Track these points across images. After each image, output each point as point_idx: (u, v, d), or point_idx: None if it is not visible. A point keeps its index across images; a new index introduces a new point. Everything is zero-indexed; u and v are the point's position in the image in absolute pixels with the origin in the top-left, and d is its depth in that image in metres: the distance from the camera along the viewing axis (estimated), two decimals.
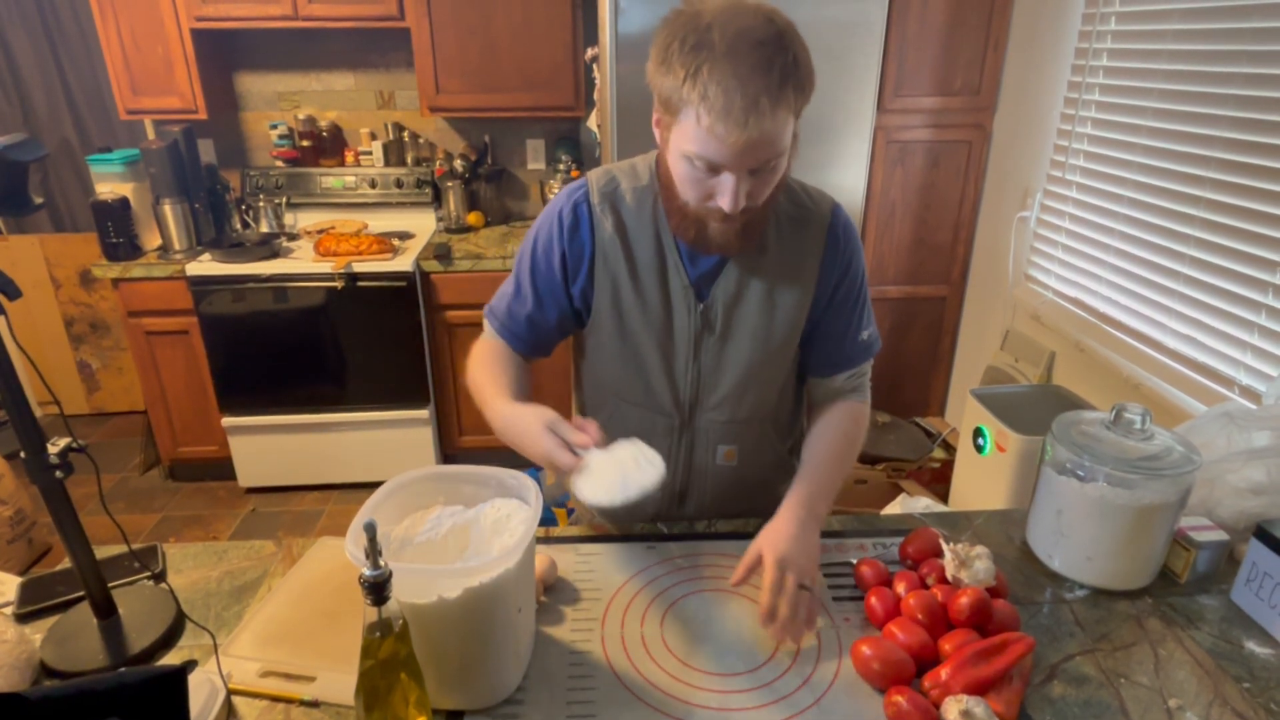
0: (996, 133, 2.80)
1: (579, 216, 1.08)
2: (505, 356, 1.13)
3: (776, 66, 0.85)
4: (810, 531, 0.98)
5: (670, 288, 1.08)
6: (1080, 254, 2.37)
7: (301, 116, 3.15)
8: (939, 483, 2.69)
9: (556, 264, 1.10)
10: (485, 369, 1.10)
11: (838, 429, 1.15)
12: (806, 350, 1.17)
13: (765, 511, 1.25)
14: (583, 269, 1.10)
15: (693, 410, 1.16)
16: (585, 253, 1.09)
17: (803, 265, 1.09)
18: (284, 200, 3.12)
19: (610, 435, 1.19)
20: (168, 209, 2.78)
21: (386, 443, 2.99)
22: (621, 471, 0.90)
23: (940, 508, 2.35)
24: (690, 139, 0.90)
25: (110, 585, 0.98)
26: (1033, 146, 2.58)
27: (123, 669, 0.62)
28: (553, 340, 1.18)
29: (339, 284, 2.74)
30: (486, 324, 1.19)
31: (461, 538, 0.91)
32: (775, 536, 0.96)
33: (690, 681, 0.91)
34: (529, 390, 1.12)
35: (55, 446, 0.87)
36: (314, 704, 0.87)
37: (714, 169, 0.91)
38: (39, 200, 0.78)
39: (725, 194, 0.92)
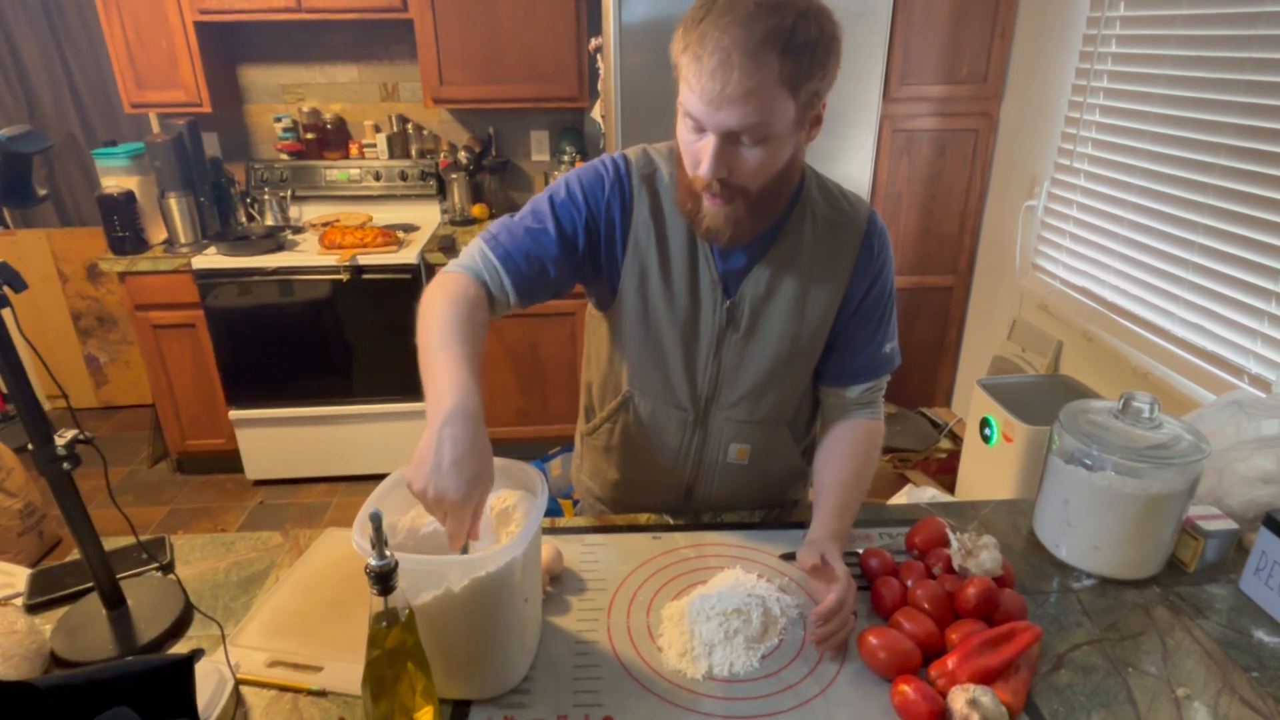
0: (1003, 121, 2.77)
1: (623, 190, 1.05)
2: (475, 306, 0.96)
3: (763, 26, 0.83)
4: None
5: (699, 280, 1.06)
6: (1088, 243, 2.35)
7: (305, 109, 3.15)
8: (945, 473, 2.68)
9: (582, 217, 1.04)
10: (452, 313, 0.93)
11: (859, 456, 1.12)
12: (825, 358, 1.15)
13: (772, 508, 1.25)
14: (616, 244, 1.06)
15: (708, 406, 1.14)
16: (620, 231, 1.06)
17: (834, 270, 1.08)
18: (289, 193, 3.12)
19: (622, 424, 1.19)
20: (173, 202, 2.79)
21: (392, 435, 3.00)
22: None
23: (946, 498, 2.35)
24: (682, 92, 0.90)
25: (119, 576, 0.98)
26: (1040, 135, 2.56)
27: (130, 657, 0.63)
28: (545, 292, 1.06)
29: (344, 276, 2.75)
30: (476, 251, 1.03)
31: None
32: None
33: (696, 671, 0.91)
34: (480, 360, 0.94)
35: (62, 439, 0.87)
36: (321, 693, 0.88)
37: (699, 128, 0.90)
38: (43, 192, 0.78)
39: (704, 157, 0.90)
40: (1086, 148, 2.34)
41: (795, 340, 1.09)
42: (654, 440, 1.17)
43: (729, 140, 0.89)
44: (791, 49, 0.84)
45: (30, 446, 0.86)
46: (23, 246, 3.36)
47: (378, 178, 3.19)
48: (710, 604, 0.96)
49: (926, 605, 0.95)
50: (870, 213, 1.10)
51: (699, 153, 0.91)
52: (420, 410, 3.05)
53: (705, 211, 0.96)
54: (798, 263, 1.06)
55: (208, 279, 2.72)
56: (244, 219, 3.13)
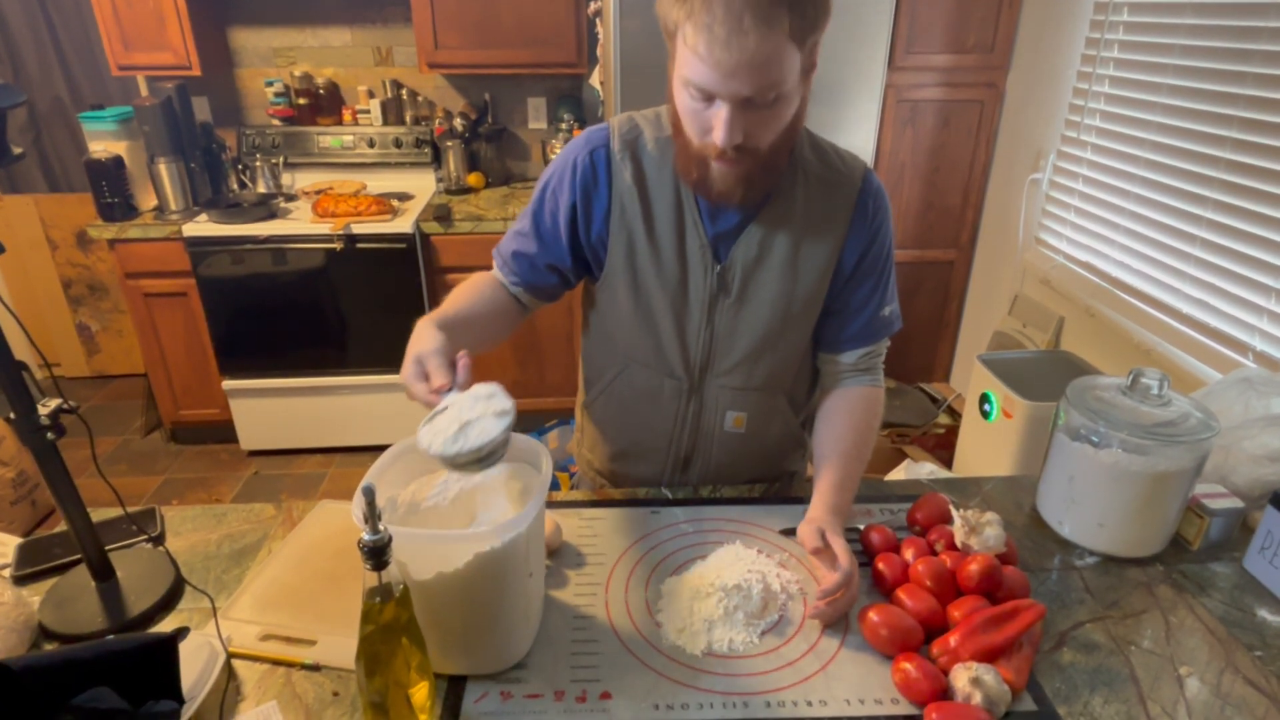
0: (1009, 92, 2.72)
1: (595, 164, 1.03)
2: (483, 290, 1.09)
3: None
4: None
5: (687, 246, 1.04)
6: (1093, 217, 2.32)
7: (298, 74, 3.08)
8: (943, 449, 2.67)
9: (563, 212, 1.05)
10: (458, 291, 1.07)
11: (858, 426, 1.10)
12: (822, 323, 1.12)
13: (771, 480, 1.24)
14: (596, 219, 1.05)
15: (703, 374, 1.12)
16: (601, 203, 1.04)
17: (829, 231, 1.04)
18: (281, 160, 3.07)
19: (618, 395, 1.17)
20: (163, 168, 2.73)
21: (388, 406, 2.98)
22: (463, 420, 0.79)
23: (945, 473, 2.34)
24: (684, 64, 0.86)
25: (108, 548, 0.97)
26: (1046, 106, 2.51)
27: (110, 636, 0.61)
28: (550, 287, 1.13)
29: (338, 245, 2.70)
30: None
31: (469, 502, 0.89)
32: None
33: (695, 647, 0.90)
34: (489, 331, 1.06)
35: (45, 408, 0.85)
36: (315, 667, 0.86)
37: (709, 97, 0.86)
38: (18, 150, 0.74)
39: (718, 126, 0.87)
40: (1094, 120, 2.30)
41: (789, 304, 1.07)
42: (650, 410, 1.16)
43: (741, 106, 0.86)
44: (799, 2, 0.81)
45: (12, 415, 0.83)
46: (10, 212, 3.30)
47: (371, 145, 3.13)
48: (709, 579, 0.94)
49: (928, 582, 0.94)
50: (865, 171, 1.06)
51: (708, 120, 0.88)
52: None
53: (715, 176, 0.93)
54: (790, 224, 1.03)
55: (199, 247, 2.68)
56: (236, 186, 3.07)
